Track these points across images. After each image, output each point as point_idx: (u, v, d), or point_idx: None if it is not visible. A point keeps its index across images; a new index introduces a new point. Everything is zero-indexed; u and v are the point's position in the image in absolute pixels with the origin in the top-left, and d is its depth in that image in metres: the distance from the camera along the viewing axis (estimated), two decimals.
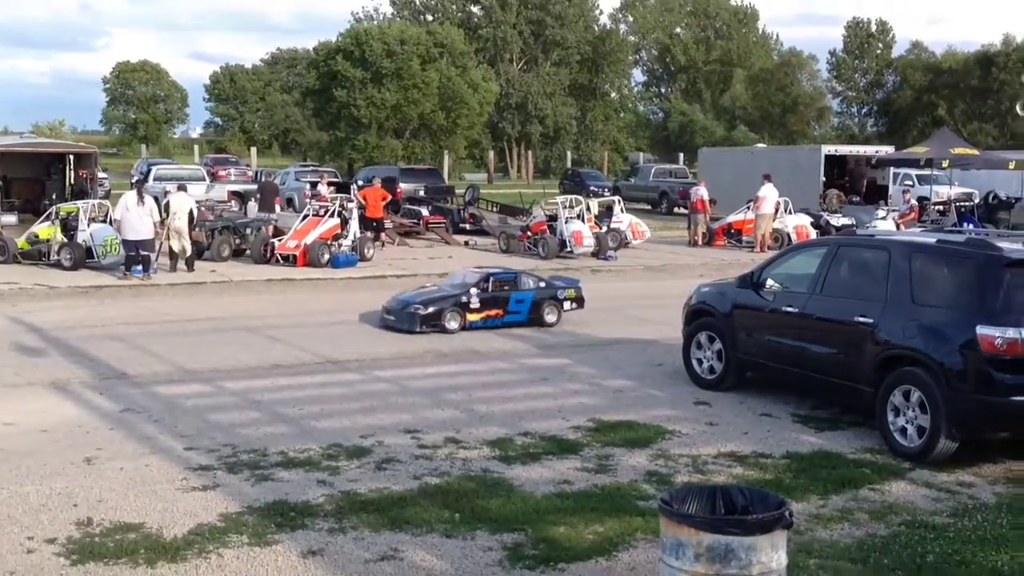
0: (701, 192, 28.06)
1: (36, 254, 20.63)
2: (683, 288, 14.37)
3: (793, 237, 25.82)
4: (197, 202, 27.00)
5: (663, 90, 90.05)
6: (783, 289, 10.27)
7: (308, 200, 25.31)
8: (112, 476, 7.71)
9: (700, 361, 11.13)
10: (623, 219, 26.82)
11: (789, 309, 10.01)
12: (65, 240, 20.43)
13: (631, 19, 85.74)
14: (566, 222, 24.12)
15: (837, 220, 27.97)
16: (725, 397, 10.58)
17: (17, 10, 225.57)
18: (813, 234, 25.72)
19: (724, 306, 10.95)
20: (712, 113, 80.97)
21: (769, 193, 25.84)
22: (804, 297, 9.95)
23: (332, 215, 22.36)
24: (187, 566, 6.09)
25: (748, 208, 27.53)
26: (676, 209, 39.11)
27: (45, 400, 10.14)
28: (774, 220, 26.25)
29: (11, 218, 23.07)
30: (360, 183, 31.19)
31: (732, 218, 28.14)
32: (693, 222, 28.14)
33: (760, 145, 48.77)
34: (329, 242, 21.87)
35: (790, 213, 27.46)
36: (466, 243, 26.97)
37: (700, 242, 27.48)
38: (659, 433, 9.20)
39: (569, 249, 23.81)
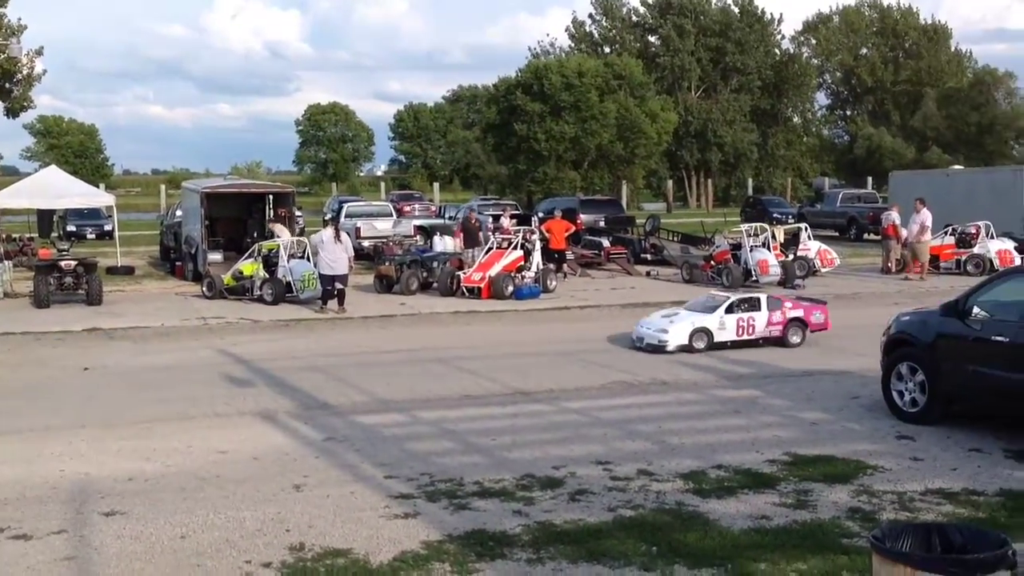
0: (893, 217, 27.00)
1: (240, 289, 21.85)
2: (878, 317, 13.90)
3: (996, 263, 24.56)
4: (386, 238, 28.14)
5: (848, 112, 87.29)
6: (992, 317, 9.78)
7: (491, 233, 25.82)
8: (320, 503, 8.04)
9: (901, 393, 10.70)
10: (811, 247, 26.16)
11: (999, 339, 9.51)
12: (267, 276, 21.57)
13: (814, 41, 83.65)
14: (751, 250, 23.68)
15: None
16: (929, 431, 10.13)
17: (212, 60, 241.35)
18: (1018, 259, 24.39)
19: (927, 335, 10.49)
20: (901, 135, 77.88)
21: (927, 218, 24.91)
22: (1016, 326, 9.44)
23: (515, 247, 22.72)
24: None
25: (946, 233, 26.45)
26: (866, 235, 37.83)
27: (254, 428, 10.69)
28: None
29: (217, 256, 24.47)
30: (541, 215, 31.58)
31: None
32: (885, 248, 27.12)
33: (956, 167, 46.46)
34: (513, 274, 22.22)
35: (992, 237, 26.13)
36: (648, 273, 26.87)
37: (894, 269, 26.42)
38: (860, 468, 8.88)
39: (754, 278, 23.35)
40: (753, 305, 15.56)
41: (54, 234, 30.19)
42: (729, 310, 15.35)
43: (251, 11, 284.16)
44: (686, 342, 15.01)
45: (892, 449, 9.56)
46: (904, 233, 26.30)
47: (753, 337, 15.39)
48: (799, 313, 15.78)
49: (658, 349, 15.06)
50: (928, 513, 7.67)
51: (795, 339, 15.60)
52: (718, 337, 15.21)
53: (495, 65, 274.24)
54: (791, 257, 24.51)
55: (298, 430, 10.59)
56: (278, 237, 22.80)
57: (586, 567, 6.64)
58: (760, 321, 15.44)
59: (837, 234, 39.04)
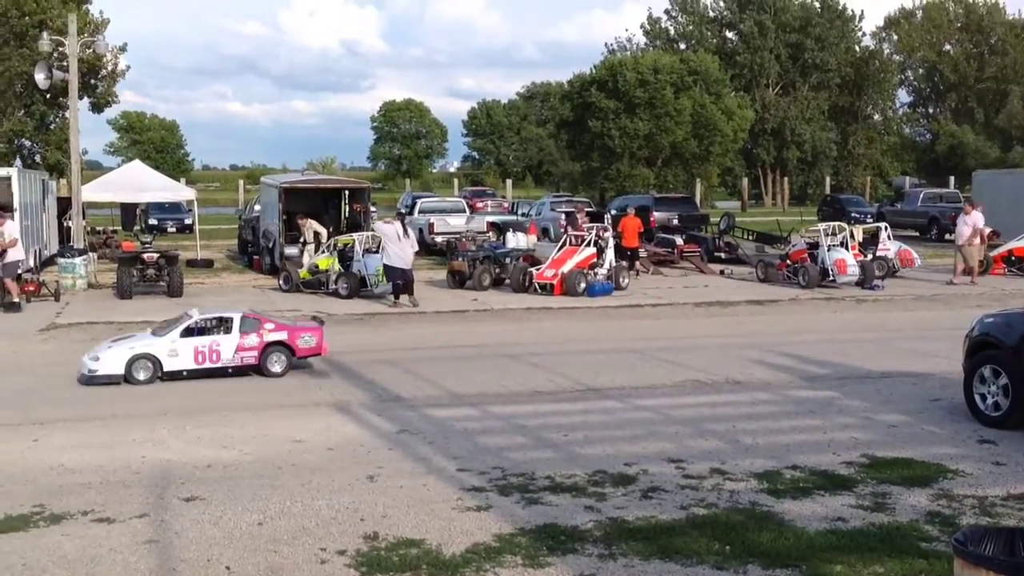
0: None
1: (316, 283, 22.17)
2: (960, 319, 13.61)
3: None
4: (459, 234, 28.31)
5: (931, 110, 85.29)
6: None
7: (563, 230, 25.76)
8: (393, 493, 8.13)
9: (984, 396, 10.43)
10: (890, 247, 25.64)
11: None
12: (342, 270, 21.84)
13: (895, 38, 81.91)
14: (828, 250, 23.30)
15: None
16: (1013, 436, 9.87)
17: (289, 57, 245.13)
18: None
19: (1011, 338, 10.22)
20: (985, 133, 75.89)
21: (980, 220, 24.20)
22: None
23: (588, 244, 22.67)
24: None
25: None
26: (947, 236, 36.95)
27: (329, 420, 10.84)
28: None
29: (294, 250, 24.85)
30: (614, 212, 31.44)
31: (1012, 245, 26.26)
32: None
33: None
34: (586, 271, 22.18)
35: None
36: (721, 272, 26.60)
37: (976, 271, 25.73)
38: (940, 472, 8.69)
39: (832, 278, 22.98)
40: (223, 327, 13.22)
41: (137, 227, 30.97)
42: (187, 333, 13.02)
43: (328, 9, 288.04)
44: (121, 371, 12.64)
45: (973, 453, 9.34)
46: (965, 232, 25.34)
47: (219, 365, 13.03)
48: (281, 336, 13.27)
49: (90, 380, 12.64)
50: (1010, 519, 7.48)
51: (276, 368, 13.16)
52: (169, 365, 12.83)
53: (569, 62, 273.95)
54: (870, 257, 24.06)
55: (372, 422, 10.71)
56: (314, 233, 23.76)
57: (658, 564, 6.61)
58: (228, 346, 13.04)
59: (918, 234, 38.22)
